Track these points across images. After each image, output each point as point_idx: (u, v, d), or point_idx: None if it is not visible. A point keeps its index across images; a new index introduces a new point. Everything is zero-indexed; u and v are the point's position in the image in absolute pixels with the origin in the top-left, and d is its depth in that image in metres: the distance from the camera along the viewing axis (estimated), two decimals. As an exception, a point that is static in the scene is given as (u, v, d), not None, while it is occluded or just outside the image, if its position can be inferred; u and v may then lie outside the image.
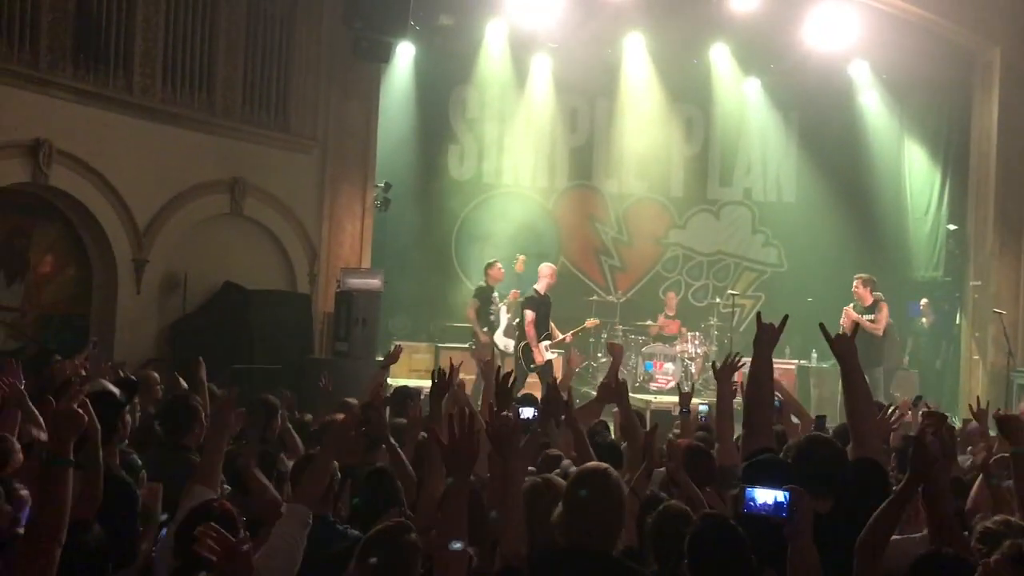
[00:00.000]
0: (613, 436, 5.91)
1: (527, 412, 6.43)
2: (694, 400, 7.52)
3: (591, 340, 13.21)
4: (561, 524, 3.13)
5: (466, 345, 12.18)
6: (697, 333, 13.02)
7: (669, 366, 12.52)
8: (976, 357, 12.70)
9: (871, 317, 10.96)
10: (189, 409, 4.57)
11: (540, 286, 10.81)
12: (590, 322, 11.54)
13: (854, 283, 11.33)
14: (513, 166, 14.72)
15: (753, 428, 3.77)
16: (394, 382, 8.16)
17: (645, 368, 12.62)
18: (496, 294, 11.23)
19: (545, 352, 10.62)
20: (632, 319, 13.60)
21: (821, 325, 4.02)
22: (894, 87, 14.01)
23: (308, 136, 11.45)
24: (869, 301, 11.12)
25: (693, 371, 12.55)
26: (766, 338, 3.86)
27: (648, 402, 10.88)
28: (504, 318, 11.16)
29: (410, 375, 11.64)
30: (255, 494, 3.77)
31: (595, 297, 13.90)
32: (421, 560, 2.99)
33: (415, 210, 13.88)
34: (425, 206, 14.10)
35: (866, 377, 4.03)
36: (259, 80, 11.02)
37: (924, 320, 13.63)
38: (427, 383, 5.45)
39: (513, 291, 11.26)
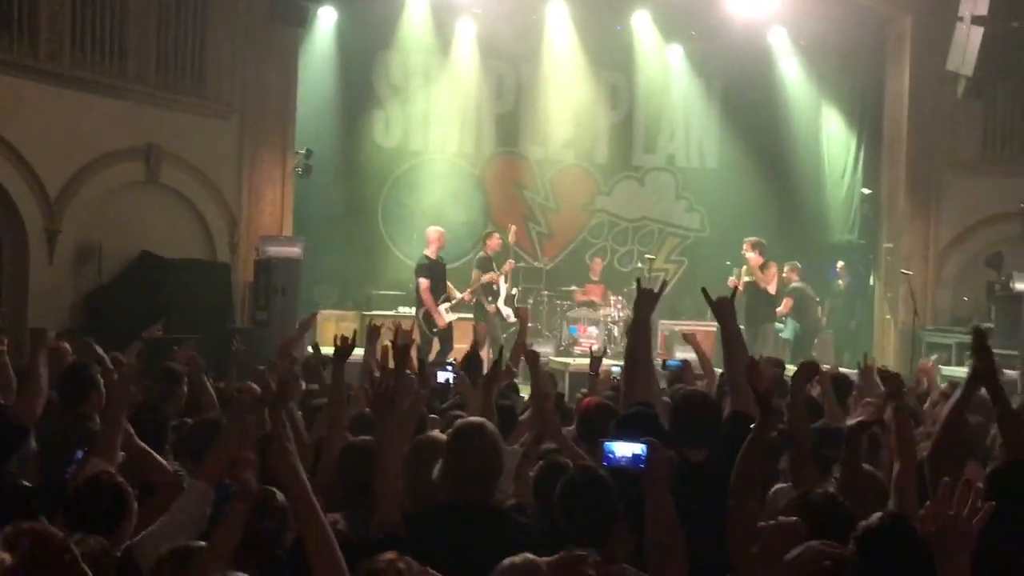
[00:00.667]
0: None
1: (443, 376, 6.55)
2: (609, 362, 7.76)
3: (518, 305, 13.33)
4: (441, 479, 3.25)
5: (392, 313, 12.34)
6: (620, 297, 13.24)
7: (592, 330, 12.74)
8: (888, 317, 13.13)
9: (758, 278, 11.44)
10: (86, 377, 4.56)
11: (429, 251, 11.02)
12: (487, 276, 11.59)
13: (743, 246, 11.69)
14: (440, 132, 14.66)
15: (631, 385, 3.92)
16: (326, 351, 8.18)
17: (569, 332, 12.83)
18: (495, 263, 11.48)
19: (446, 315, 10.84)
20: (559, 285, 13.76)
21: (703, 289, 4.17)
22: (811, 54, 14.24)
23: (225, 102, 11.26)
24: (760, 263, 11.52)
25: (616, 334, 12.77)
26: (644, 302, 4.00)
27: (567, 364, 11.08)
28: (503, 287, 11.42)
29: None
30: (148, 469, 3.80)
31: (522, 264, 14.01)
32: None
33: (340, 177, 13.77)
34: (351, 173, 13.99)
35: (758, 332, 4.22)
36: (173, 44, 10.77)
37: (840, 282, 14.02)
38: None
39: (509, 261, 11.55)
